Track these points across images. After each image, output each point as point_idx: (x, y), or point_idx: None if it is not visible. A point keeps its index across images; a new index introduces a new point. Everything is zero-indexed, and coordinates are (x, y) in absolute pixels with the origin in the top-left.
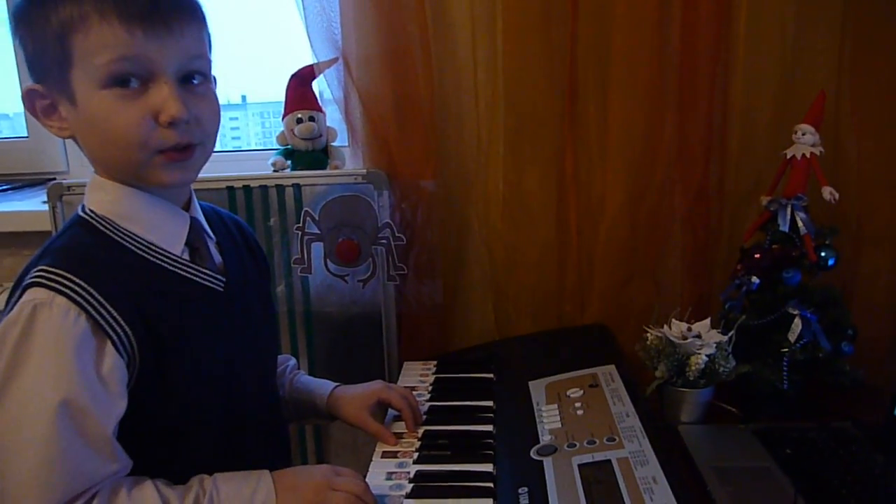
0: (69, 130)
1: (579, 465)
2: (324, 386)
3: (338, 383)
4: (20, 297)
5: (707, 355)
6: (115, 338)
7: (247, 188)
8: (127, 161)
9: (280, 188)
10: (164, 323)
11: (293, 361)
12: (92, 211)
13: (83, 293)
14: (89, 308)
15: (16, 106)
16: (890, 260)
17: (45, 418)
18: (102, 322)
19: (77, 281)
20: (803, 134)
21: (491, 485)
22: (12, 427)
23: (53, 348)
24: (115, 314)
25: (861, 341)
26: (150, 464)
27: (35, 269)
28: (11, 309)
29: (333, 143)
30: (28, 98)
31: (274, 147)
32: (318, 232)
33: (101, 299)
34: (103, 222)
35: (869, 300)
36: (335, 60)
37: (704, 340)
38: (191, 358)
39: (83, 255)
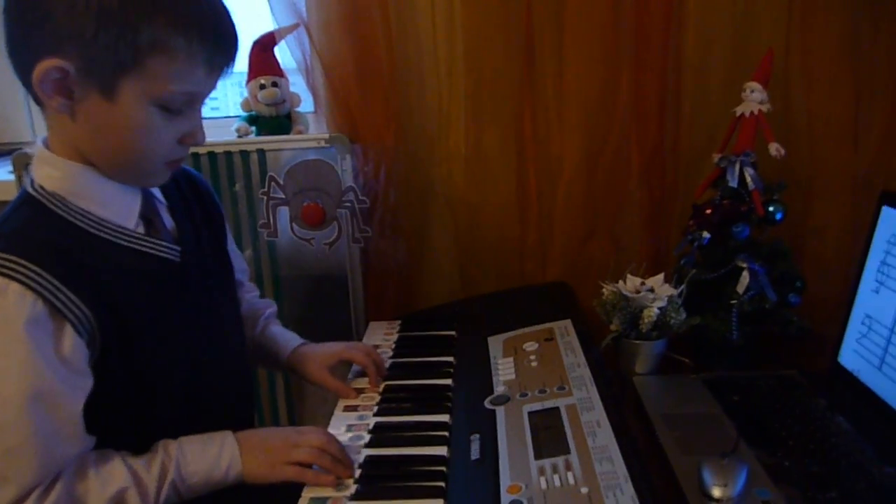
0: (74, 114)
1: (529, 413)
2: (290, 341)
3: (304, 340)
4: None
5: (659, 308)
6: (73, 319)
7: (211, 154)
8: (136, 166)
9: (244, 154)
10: (123, 299)
11: (273, 308)
12: (41, 187)
13: (37, 277)
14: (45, 292)
15: None
16: (839, 214)
17: (14, 403)
18: (59, 305)
19: (30, 266)
20: (752, 91)
21: (446, 433)
22: None
23: (12, 335)
24: (72, 296)
25: (810, 293)
26: (113, 435)
27: None
28: None
29: (297, 109)
30: (46, 70)
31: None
32: (284, 196)
33: (57, 282)
34: (53, 200)
35: (818, 253)
36: (296, 26)
37: (657, 294)
38: (152, 331)
39: (35, 237)
